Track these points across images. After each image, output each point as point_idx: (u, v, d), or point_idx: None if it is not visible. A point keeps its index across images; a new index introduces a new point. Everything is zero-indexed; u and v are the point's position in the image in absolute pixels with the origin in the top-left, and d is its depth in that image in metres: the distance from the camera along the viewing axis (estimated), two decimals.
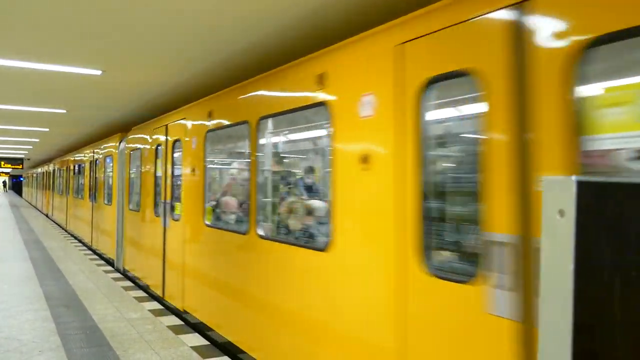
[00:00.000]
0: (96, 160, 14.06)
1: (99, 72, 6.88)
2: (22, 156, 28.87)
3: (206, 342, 6.06)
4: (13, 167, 29.03)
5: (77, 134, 15.88)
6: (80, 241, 16.11)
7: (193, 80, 7.26)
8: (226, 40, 5.34)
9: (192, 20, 4.70)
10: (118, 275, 10.35)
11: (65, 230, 19.41)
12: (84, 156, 16.26)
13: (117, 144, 11.67)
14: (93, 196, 14.32)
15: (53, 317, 6.92)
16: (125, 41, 5.46)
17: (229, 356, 5.61)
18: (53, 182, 25.25)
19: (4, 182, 69.40)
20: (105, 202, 12.61)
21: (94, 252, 13.66)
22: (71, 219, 18.63)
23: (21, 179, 78.36)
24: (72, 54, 6.05)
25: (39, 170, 35.31)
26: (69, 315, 7.09)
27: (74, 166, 18.36)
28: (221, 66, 6.39)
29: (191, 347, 5.84)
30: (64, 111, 10.62)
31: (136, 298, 8.23)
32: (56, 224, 22.48)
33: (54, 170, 25.30)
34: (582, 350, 0.87)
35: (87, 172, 15.48)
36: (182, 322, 6.90)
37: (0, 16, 4.74)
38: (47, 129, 14.35)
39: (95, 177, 14.11)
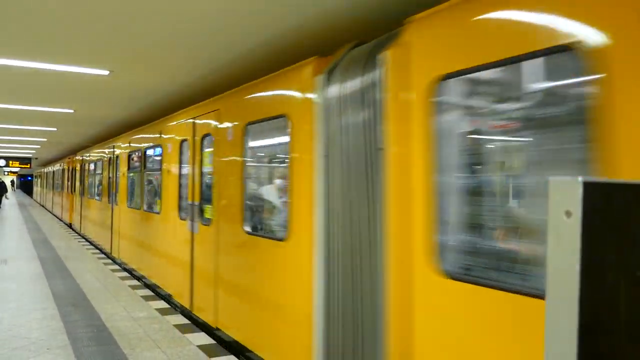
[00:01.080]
0: (203, 140, 7.00)
1: (106, 72, 6.91)
2: (30, 155, 29.05)
3: (212, 341, 6.08)
4: (21, 166, 29.20)
5: (85, 134, 15.96)
6: (148, 286, 9.34)
7: (201, 80, 7.29)
8: (234, 40, 5.36)
9: (200, 20, 4.71)
10: (125, 274, 10.39)
11: (111, 258, 12.47)
12: (158, 137, 9.11)
13: (318, 83, 4.31)
14: (196, 213, 7.02)
15: (61, 316, 6.96)
16: (133, 42, 5.49)
17: (235, 355, 5.63)
18: (81, 183, 18.30)
19: (12, 182, 69.80)
20: (251, 229, 5.69)
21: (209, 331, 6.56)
22: (129, 245, 10.90)
23: (29, 178, 78.86)
24: (79, 55, 6.08)
25: (57, 167, 27.70)
26: (77, 313, 7.13)
27: (131, 156, 11.28)
28: (230, 66, 6.41)
29: (197, 345, 5.86)
30: (72, 111, 10.68)
31: (143, 297, 8.26)
32: (87, 241, 16.16)
33: (81, 167, 18.36)
34: (588, 352, 0.88)
35: (169, 167, 8.42)
36: (188, 321, 6.92)
37: (9, 17, 4.78)
38: (55, 129, 14.43)
39: (204, 178, 6.98)
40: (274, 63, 5.88)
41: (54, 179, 29.39)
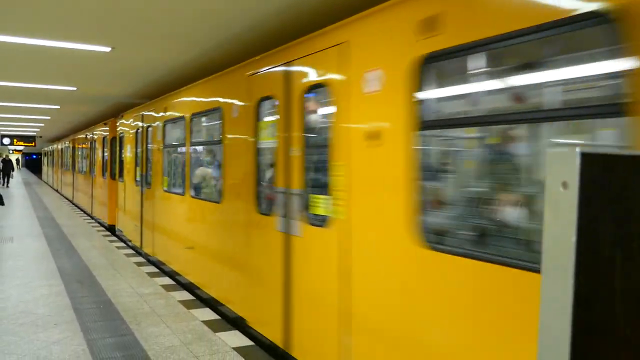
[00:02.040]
0: None
1: (108, 49, 6.87)
2: (34, 134, 29.08)
3: (217, 317, 6.14)
4: (26, 144, 29.23)
5: (88, 112, 15.93)
6: None
7: (204, 56, 7.23)
8: (236, 16, 5.31)
9: None
10: (131, 251, 10.47)
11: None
12: None
13: None
14: None
15: (67, 292, 7.05)
16: (134, 17, 5.44)
17: (239, 330, 5.70)
18: (140, 165, 10.64)
19: (17, 160, 69.95)
20: None
21: None
22: None
23: (34, 156, 78.80)
24: (81, 31, 6.04)
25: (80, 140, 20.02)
26: (83, 290, 7.21)
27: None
28: (231, 43, 6.36)
29: (202, 321, 5.93)
30: (75, 88, 10.65)
31: (148, 274, 8.34)
32: (169, 276, 8.42)
33: (140, 135, 10.81)
34: (582, 322, 0.88)
35: None
36: (193, 297, 6.99)
37: None
38: (58, 106, 14.41)
39: None
40: (279, 37, 5.82)
41: (74, 157, 21.57)
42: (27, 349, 4.95)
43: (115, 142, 13.47)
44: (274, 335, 5.09)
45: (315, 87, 4.55)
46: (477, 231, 3.47)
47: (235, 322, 5.90)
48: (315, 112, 4.72)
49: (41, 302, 6.52)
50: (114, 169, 13.63)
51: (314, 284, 4.47)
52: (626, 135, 2.38)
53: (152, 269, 8.78)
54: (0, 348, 4.97)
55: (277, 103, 5.10)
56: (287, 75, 4.93)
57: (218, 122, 6.70)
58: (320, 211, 4.40)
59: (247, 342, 5.36)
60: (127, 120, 12.00)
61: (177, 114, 8.43)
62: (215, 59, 7.28)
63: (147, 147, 10.24)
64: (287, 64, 4.97)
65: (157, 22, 5.62)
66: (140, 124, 10.79)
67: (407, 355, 3.43)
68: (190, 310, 6.34)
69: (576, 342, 0.86)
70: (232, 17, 5.33)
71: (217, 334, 5.53)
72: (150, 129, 10.01)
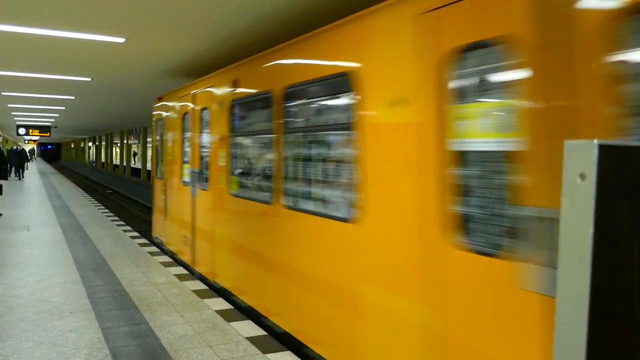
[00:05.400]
0: None
1: (122, 40, 6.90)
2: (49, 124, 29.33)
3: (230, 307, 6.19)
4: (41, 134, 29.48)
5: (103, 102, 16.03)
6: None
7: (218, 47, 7.25)
8: (249, 6, 5.30)
9: None
10: (145, 240, 10.57)
11: None
12: None
13: None
14: None
15: (82, 281, 7.14)
16: (148, 8, 5.46)
17: (252, 320, 5.74)
18: None
19: (32, 150, 70.61)
20: None
21: None
22: None
23: (49, 146, 79.45)
24: (95, 21, 6.07)
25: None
26: (98, 279, 7.30)
27: None
28: (245, 33, 6.36)
29: (216, 310, 5.98)
30: (89, 79, 10.72)
31: (162, 263, 8.41)
32: None
33: None
34: (599, 312, 0.88)
35: None
36: (206, 287, 7.05)
37: None
38: (73, 97, 14.52)
39: None
40: (293, 28, 5.82)
41: None
42: (43, 337, 5.04)
43: None
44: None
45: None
46: None
47: (249, 312, 6.01)
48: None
49: (57, 290, 6.62)
50: None
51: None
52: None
53: (166, 258, 8.85)
54: (17, 336, 5.06)
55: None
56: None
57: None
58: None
59: (261, 332, 5.40)
60: None
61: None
62: (230, 49, 7.29)
63: None
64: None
65: (171, 13, 5.64)
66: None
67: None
68: (204, 300, 6.39)
69: (592, 331, 0.86)
70: (246, 7, 5.33)
71: (230, 323, 5.58)
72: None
